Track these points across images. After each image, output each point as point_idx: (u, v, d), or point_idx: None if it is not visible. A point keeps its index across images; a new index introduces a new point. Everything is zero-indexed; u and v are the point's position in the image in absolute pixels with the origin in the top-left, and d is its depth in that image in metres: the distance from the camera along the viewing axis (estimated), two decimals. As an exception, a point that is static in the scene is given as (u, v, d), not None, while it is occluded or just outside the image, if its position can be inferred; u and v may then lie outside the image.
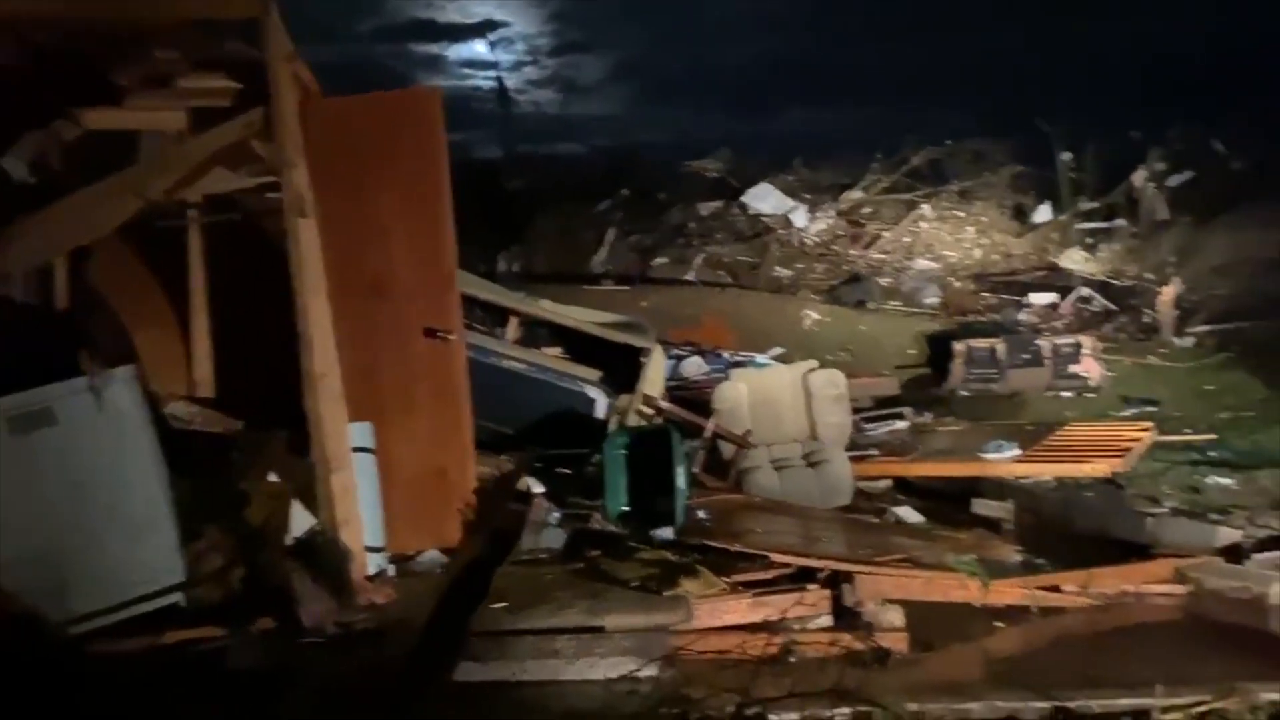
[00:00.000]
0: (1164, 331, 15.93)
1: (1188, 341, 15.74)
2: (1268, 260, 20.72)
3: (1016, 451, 8.55)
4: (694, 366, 12.25)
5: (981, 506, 7.85)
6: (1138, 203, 22.63)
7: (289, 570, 4.53)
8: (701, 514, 6.53)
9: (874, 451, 9.19)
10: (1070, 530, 7.25)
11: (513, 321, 6.89)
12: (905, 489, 8.91)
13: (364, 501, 5.23)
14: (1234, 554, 6.05)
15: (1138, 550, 6.54)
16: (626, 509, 6.15)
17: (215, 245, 5.84)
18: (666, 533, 6.05)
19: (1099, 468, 8.11)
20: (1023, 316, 18.87)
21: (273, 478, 5.12)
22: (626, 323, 7.75)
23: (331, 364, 5.16)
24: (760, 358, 13.81)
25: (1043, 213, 23.48)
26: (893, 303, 20.26)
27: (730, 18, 35.70)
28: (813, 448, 8.53)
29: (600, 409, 6.79)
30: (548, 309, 7.40)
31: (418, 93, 5.81)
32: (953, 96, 25.32)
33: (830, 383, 8.71)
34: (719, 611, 5.00)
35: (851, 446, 9.25)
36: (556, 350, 6.98)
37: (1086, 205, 22.98)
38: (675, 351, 13.42)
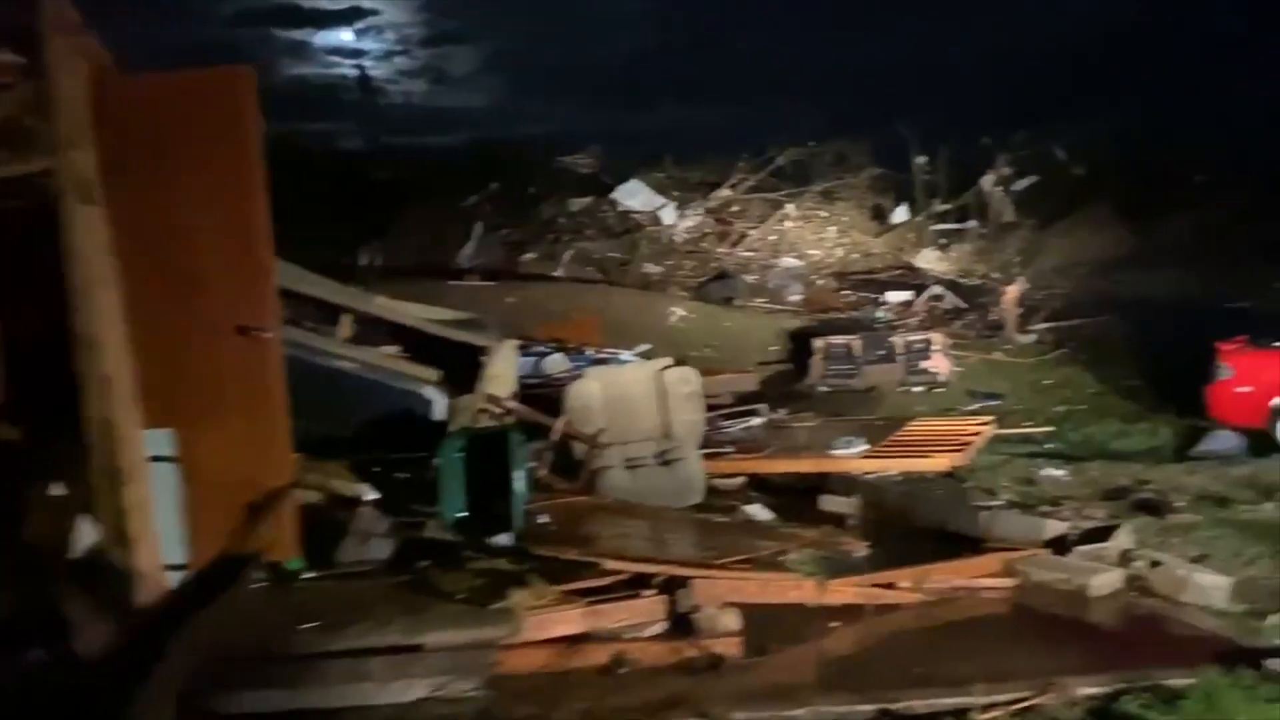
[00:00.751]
0: (1008, 329, 16.54)
1: (1029, 338, 16.39)
2: (1102, 261, 21.91)
3: (864, 447, 8.61)
4: (556, 364, 11.97)
5: (829, 502, 7.86)
6: (987, 205, 23.61)
7: (65, 592, 4.03)
8: (544, 518, 6.27)
9: (729, 449, 9.13)
10: (912, 524, 7.32)
11: (345, 319, 6.47)
12: (759, 486, 8.87)
13: (162, 515, 4.74)
14: (1060, 546, 6.19)
15: (973, 543, 6.64)
16: (463, 515, 5.84)
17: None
18: (505, 539, 5.78)
19: (940, 462, 8.24)
20: (880, 314, 19.35)
21: (57, 490, 4.58)
22: (468, 320, 7.39)
23: (122, 366, 4.66)
24: (625, 354, 13.62)
25: (900, 214, 24.19)
26: (758, 300, 20.47)
27: (606, 13, 35.51)
28: (667, 446, 8.38)
29: (438, 410, 6.43)
30: (383, 306, 6.98)
31: (229, 72, 5.30)
32: (817, 98, 25.74)
33: (684, 380, 8.57)
34: (549, 623, 4.73)
35: (707, 444, 9.17)
36: (394, 349, 6.59)
37: (940, 207, 23.80)
38: (538, 348, 13.13)
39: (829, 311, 19.53)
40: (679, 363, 13.36)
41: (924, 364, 14.59)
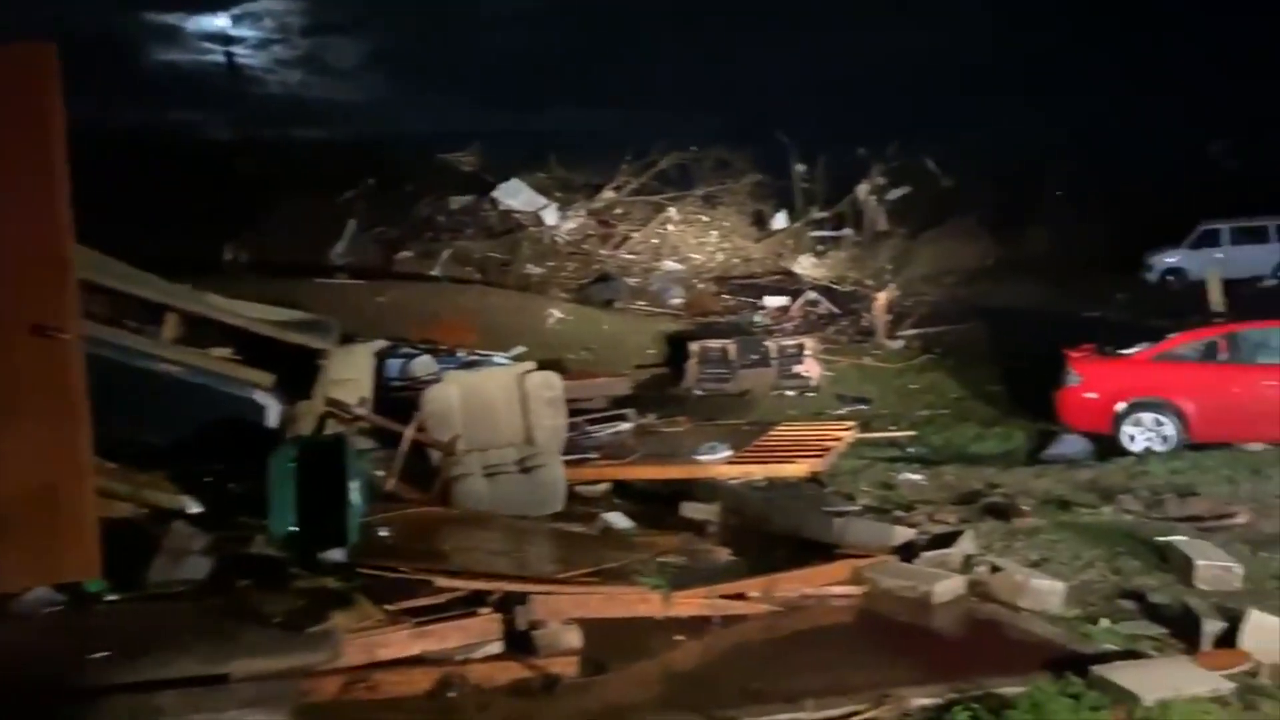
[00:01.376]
0: (878, 334, 16.87)
1: (898, 344, 16.75)
2: (968, 270, 22.67)
3: (728, 453, 8.54)
4: (424, 366, 11.51)
5: (690, 509, 7.75)
6: (861, 214, 24.17)
7: None
8: (384, 532, 5.92)
9: (593, 455, 8.92)
10: (770, 530, 7.26)
11: (170, 318, 5.96)
12: (623, 492, 8.70)
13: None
14: (908, 552, 6.21)
15: (827, 549, 6.61)
16: (293, 529, 5.45)
17: None
18: (338, 555, 5.42)
19: (802, 468, 8.23)
20: (758, 318, 19.54)
21: None
22: (309, 322, 6.95)
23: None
24: (499, 356, 13.25)
25: (779, 220, 24.53)
26: (640, 302, 20.39)
27: (495, 12, 35.01)
28: (528, 452, 8.11)
29: (272, 417, 6.00)
30: (213, 305, 6.49)
31: (27, 48, 4.80)
32: (700, 105, 25.91)
33: (546, 385, 8.32)
34: (374, 646, 4.39)
35: (572, 450, 8.95)
36: (225, 351, 6.11)
37: (818, 214, 24.25)
38: (405, 350, 12.68)
39: (709, 315, 19.58)
40: (547, 366, 13.18)
41: (796, 368, 14.73)
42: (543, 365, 14.00)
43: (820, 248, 23.53)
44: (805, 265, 22.45)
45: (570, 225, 22.88)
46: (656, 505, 8.20)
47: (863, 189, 23.49)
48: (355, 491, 5.52)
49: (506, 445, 8.16)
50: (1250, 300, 15.86)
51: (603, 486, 8.66)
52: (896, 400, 14.18)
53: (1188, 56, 24.25)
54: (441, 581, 4.69)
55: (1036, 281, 20.11)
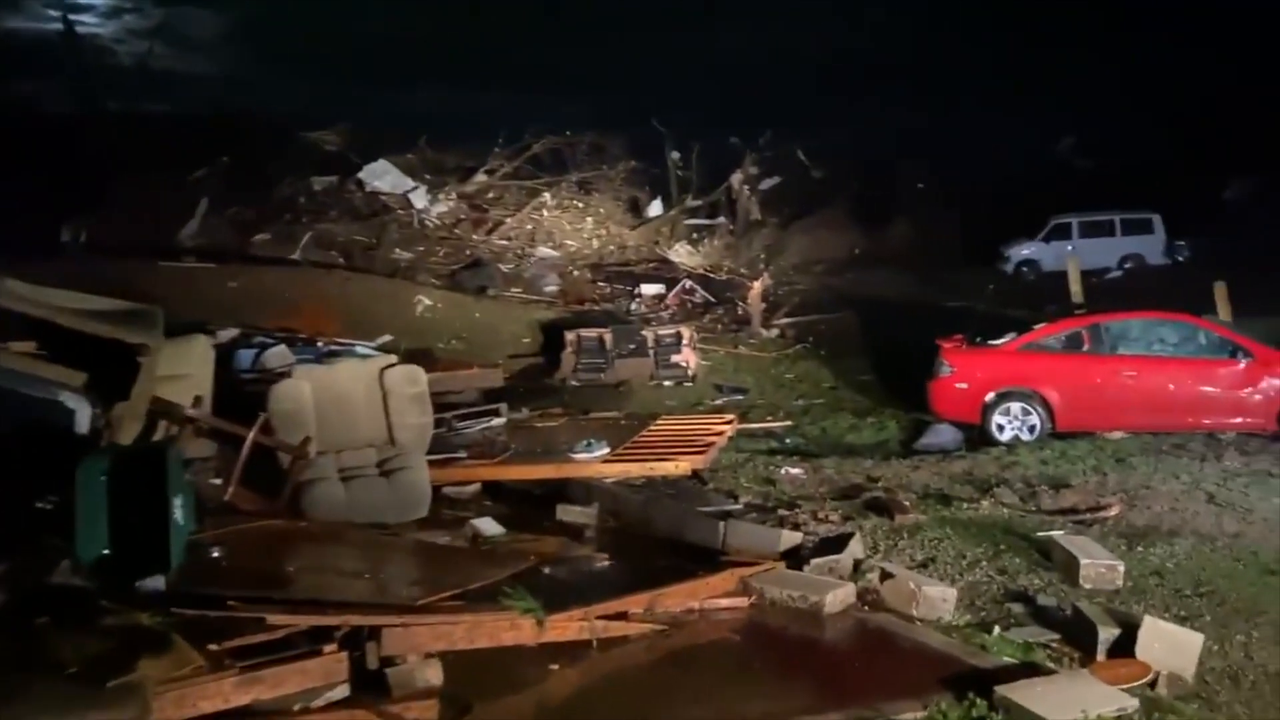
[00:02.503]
0: (753, 323, 16.65)
1: (772, 333, 16.55)
2: (837, 260, 22.83)
3: (606, 450, 8.01)
4: (279, 357, 10.54)
5: (565, 512, 7.19)
6: (735, 203, 24.02)
7: None
8: (217, 552, 5.12)
9: (462, 454, 8.24)
10: (650, 534, 6.79)
11: (-42, 309, 5.01)
12: (495, 493, 8.07)
13: None
14: (795, 557, 5.84)
15: (711, 554, 6.19)
16: (106, 553, 4.61)
17: None
18: (158, 583, 4.61)
19: (682, 465, 7.77)
20: (634, 306, 19.09)
21: None
22: (128, 311, 6.01)
23: None
24: (361, 346, 12.33)
25: (655, 207, 24.12)
26: (514, 289, 19.60)
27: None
28: (389, 454, 7.38)
29: (82, 421, 5.09)
30: (11, 292, 5.50)
31: None
32: (576, 90, 25.18)
33: (409, 379, 7.57)
34: (191, 698, 3.63)
35: (440, 448, 8.26)
36: (27, 346, 5.17)
37: (693, 202, 23.96)
38: (260, 339, 11.65)
39: (584, 303, 18.99)
40: (416, 356, 12.33)
41: (674, 358, 14.32)
42: (411, 355, 13.23)
43: (695, 236, 23.25)
44: (681, 253, 22.10)
45: (440, 209, 21.89)
46: (531, 507, 7.62)
47: (736, 178, 23.29)
48: (179, 509, 4.72)
49: (365, 446, 7.42)
50: (1099, 291, 16.39)
51: (473, 488, 8.01)
52: (773, 390, 13.96)
53: (1044, 57, 25.00)
54: (275, 618, 3.97)
55: (901, 271, 20.35)
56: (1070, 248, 19.65)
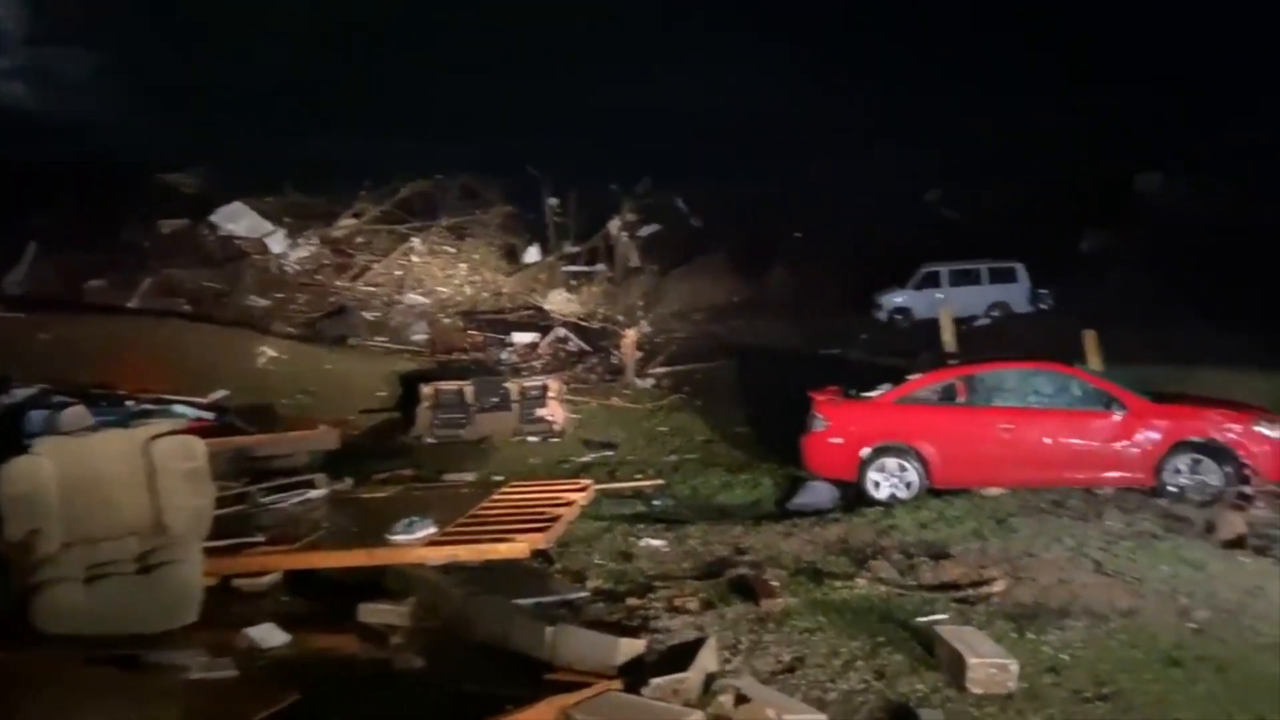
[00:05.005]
0: (627, 373, 15.60)
1: (648, 383, 15.52)
2: (716, 308, 22.10)
3: (430, 530, 6.72)
4: (75, 418, 8.81)
5: (369, 612, 5.86)
6: (614, 250, 23.11)
7: None
8: None
9: (259, 538, 6.81)
10: (471, 638, 5.53)
11: None
12: (304, 582, 6.66)
13: None
14: (637, 670, 4.68)
15: (535, 669, 4.98)
16: None
17: None
18: None
19: (519, 546, 6.56)
20: (506, 356, 17.81)
21: None
22: None
23: None
24: (181, 406, 10.74)
25: (532, 254, 22.98)
26: (379, 338, 18.12)
27: (234, 30, 31.46)
28: (155, 544, 5.91)
29: None
30: None
31: None
32: (448, 133, 24.00)
33: (184, 452, 6.09)
34: None
35: (235, 530, 6.81)
36: None
37: (570, 249, 22.94)
38: (61, 398, 9.93)
39: (453, 353, 17.62)
40: (256, 412, 10.73)
41: (540, 411, 13.09)
42: (251, 410, 11.64)
43: (573, 283, 22.20)
44: (558, 301, 20.99)
45: (301, 254, 20.25)
46: (341, 599, 6.24)
47: (614, 225, 22.41)
48: None
49: (126, 535, 5.92)
50: (969, 338, 15.98)
51: (271, 578, 6.58)
52: (645, 444, 12.85)
53: (912, 109, 25.15)
54: None
55: (779, 319, 19.73)
56: (940, 295, 19.41)
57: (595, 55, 28.01)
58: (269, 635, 5.41)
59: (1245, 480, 8.40)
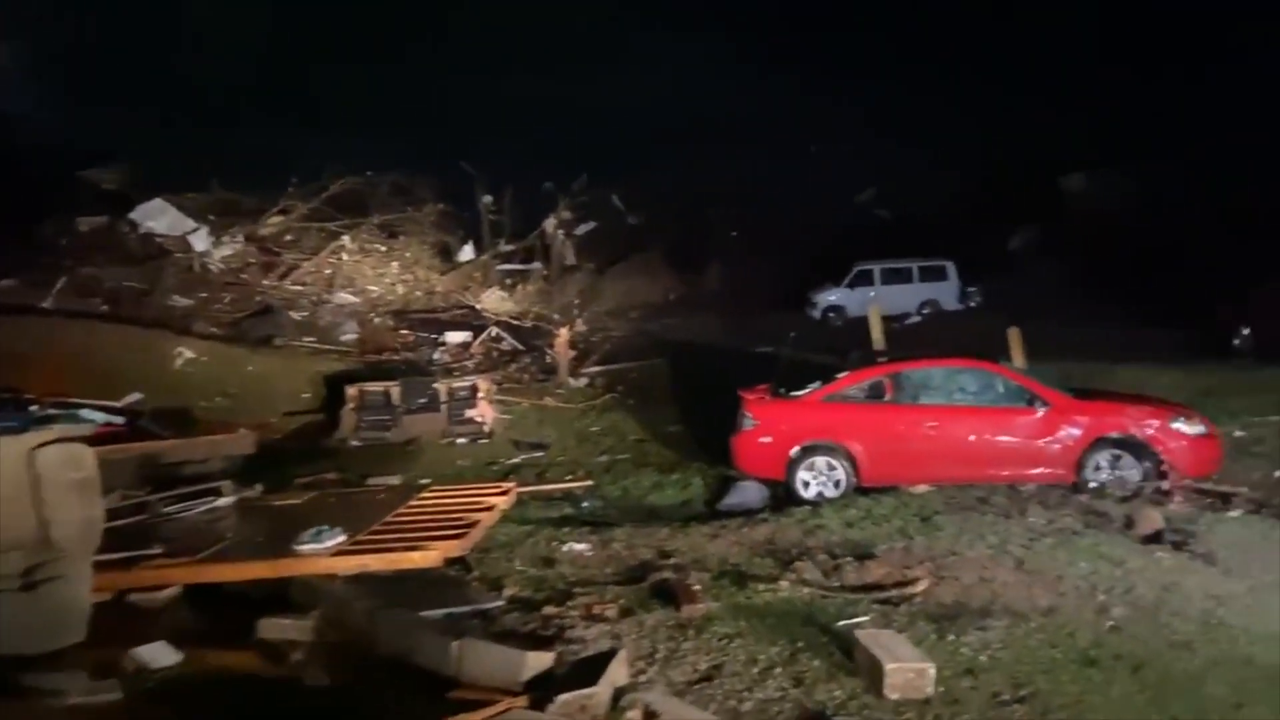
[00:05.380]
0: (561, 372, 15.34)
1: (581, 382, 15.28)
2: (652, 306, 21.95)
3: (340, 539, 6.41)
4: (-36, 424, 8.34)
5: (269, 627, 5.55)
6: (550, 248, 22.82)
7: None
8: None
9: (157, 550, 6.43)
10: (378, 655, 5.25)
11: None
12: (206, 596, 6.29)
13: None
14: (545, 685, 4.45)
15: (440, 686, 4.73)
16: None
17: None
18: None
19: (432, 554, 6.30)
20: (438, 356, 17.41)
21: None
22: None
23: None
24: (89, 410, 10.19)
25: (467, 252, 22.56)
26: (307, 338, 17.56)
27: (158, 22, 30.36)
28: (39, 559, 5.53)
29: None
30: None
31: None
32: (381, 128, 23.43)
33: (70, 461, 5.69)
34: None
35: (133, 541, 6.42)
36: None
37: (506, 247, 22.57)
38: (-49, 403, 9.34)
39: (383, 353, 17.17)
40: (173, 415, 10.27)
41: (469, 412, 12.77)
42: (166, 414, 11.11)
43: (509, 281, 21.85)
44: (493, 299, 20.63)
45: (226, 252, 19.55)
46: (243, 615, 5.89)
47: (550, 223, 22.11)
48: None
49: (8, 550, 5.50)
50: (900, 336, 16.06)
51: (170, 592, 6.21)
52: (576, 445, 12.62)
53: (851, 113, 25.25)
54: None
55: (715, 317, 19.65)
56: (873, 293, 19.51)
57: (531, 51, 27.65)
58: (159, 654, 5.07)
59: (1163, 476, 8.48)
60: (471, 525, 6.79)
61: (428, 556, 6.18)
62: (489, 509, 7.28)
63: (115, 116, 26.64)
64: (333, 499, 8.05)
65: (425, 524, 6.87)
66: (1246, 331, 14.18)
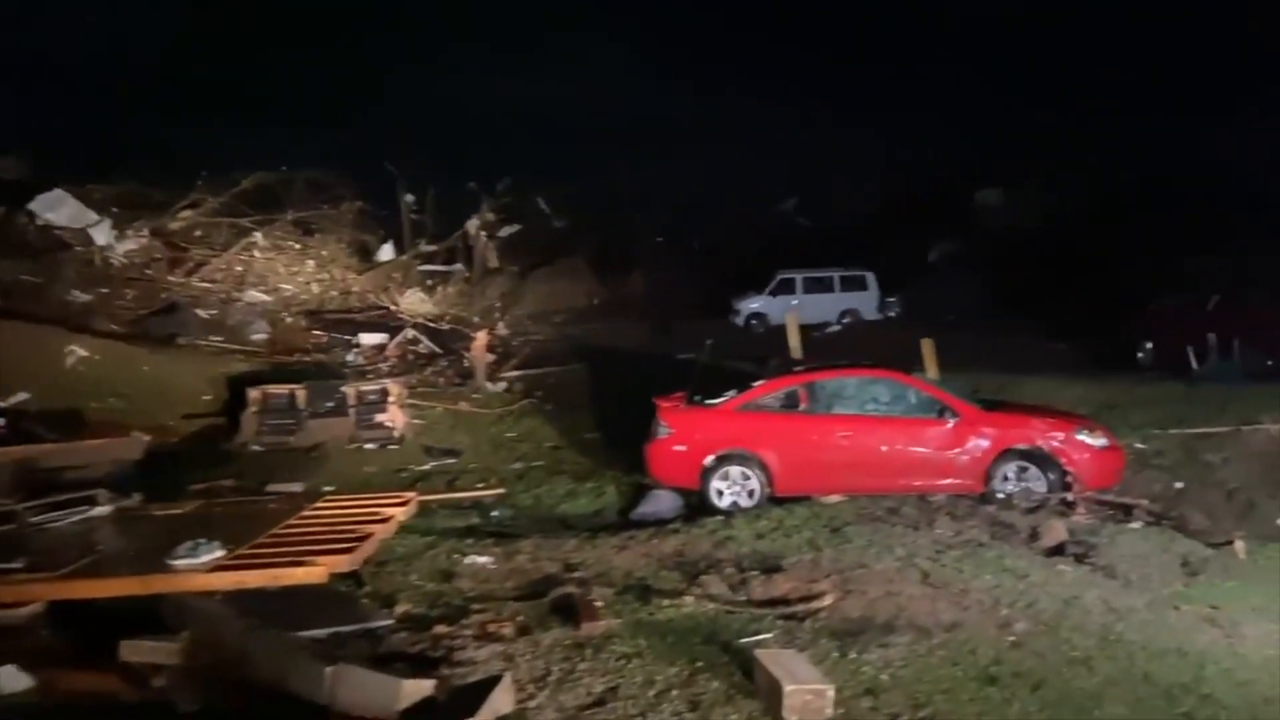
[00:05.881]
0: (478, 376, 14.92)
1: (499, 386, 14.90)
2: (575, 310, 21.67)
3: (219, 554, 5.98)
4: None
5: (132, 650, 5.11)
6: (472, 249, 22.34)
7: None
8: None
9: (17, 564, 5.91)
10: (251, 680, 4.87)
11: None
12: (78, 613, 5.80)
13: None
14: (424, 714, 4.15)
15: (320, 713, 4.40)
16: None
17: None
18: None
19: (317, 570, 5.90)
20: (351, 357, 16.82)
21: None
22: None
23: None
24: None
25: (386, 251, 21.95)
26: (214, 338, 16.78)
27: (69, 6, 28.95)
28: None
29: None
30: None
31: None
32: (300, 123, 22.65)
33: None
34: None
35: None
36: None
37: (427, 248, 22.03)
38: None
39: (294, 354, 16.52)
40: (62, 418, 9.64)
41: (379, 417, 12.29)
42: (54, 416, 10.40)
43: (430, 283, 21.31)
44: (413, 301, 20.09)
45: (130, 246, 18.63)
46: (110, 635, 5.42)
47: (473, 224, 21.65)
48: None
49: None
50: (819, 345, 16.11)
51: (31, 609, 5.69)
52: (490, 451, 12.25)
53: (776, 122, 25.38)
54: None
55: (638, 322, 19.46)
56: (795, 302, 19.58)
57: (458, 51, 27.15)
58: (9, 679, 4.61)
59: (1068, 487, 8.54)
60: (364, 538, 6.40)
61: (312, 572, 5.77)
62: (385, 520, 6.90)
63: (15, 103, 25.30)
64: (219, 509, 7.56)
65: (315, 537, 6.45)
66: (1149, 345, 14.53)
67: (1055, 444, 8.71)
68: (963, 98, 24.23)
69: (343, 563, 6.00)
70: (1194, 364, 12.98)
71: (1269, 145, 17.57)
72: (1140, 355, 14.60)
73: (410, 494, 7.88)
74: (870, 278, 20.71)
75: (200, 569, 5.77)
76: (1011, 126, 23.34)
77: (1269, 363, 12.19)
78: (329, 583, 6.06)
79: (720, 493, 9.28)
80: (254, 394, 12.10)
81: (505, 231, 22.53)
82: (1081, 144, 21.62)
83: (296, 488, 10.32)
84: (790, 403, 9.51)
